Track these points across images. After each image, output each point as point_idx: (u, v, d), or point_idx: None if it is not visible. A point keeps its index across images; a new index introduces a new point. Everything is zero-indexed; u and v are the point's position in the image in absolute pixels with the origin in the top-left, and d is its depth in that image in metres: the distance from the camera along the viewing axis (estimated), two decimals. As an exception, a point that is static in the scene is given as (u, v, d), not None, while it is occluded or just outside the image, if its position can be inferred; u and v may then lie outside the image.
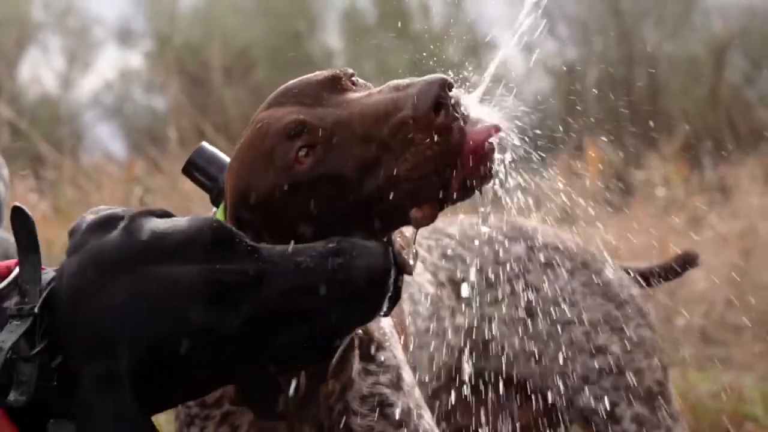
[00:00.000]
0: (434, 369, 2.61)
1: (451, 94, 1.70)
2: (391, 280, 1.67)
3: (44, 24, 13.06)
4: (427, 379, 2.54)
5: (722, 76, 10.98)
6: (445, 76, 1.72)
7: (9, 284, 1.76)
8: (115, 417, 1.62)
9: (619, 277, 2.81)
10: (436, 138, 1.69)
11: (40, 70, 12.72)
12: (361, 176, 1.74)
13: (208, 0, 12.96)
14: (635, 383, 2.70)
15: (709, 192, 7.54)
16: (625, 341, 2.73)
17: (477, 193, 1.76)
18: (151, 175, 7.80)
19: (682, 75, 11.08)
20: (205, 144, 2.08)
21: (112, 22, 13.35)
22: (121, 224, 1.72)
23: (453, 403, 2.67)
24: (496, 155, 1.73)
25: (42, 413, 1.67)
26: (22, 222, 1.78)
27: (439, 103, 1.69)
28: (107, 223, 1.73)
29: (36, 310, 1.69)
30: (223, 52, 11.41)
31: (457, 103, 1.71)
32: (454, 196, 1.74)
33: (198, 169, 2.05)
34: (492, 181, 1.75)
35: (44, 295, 1.71)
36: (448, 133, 1.69)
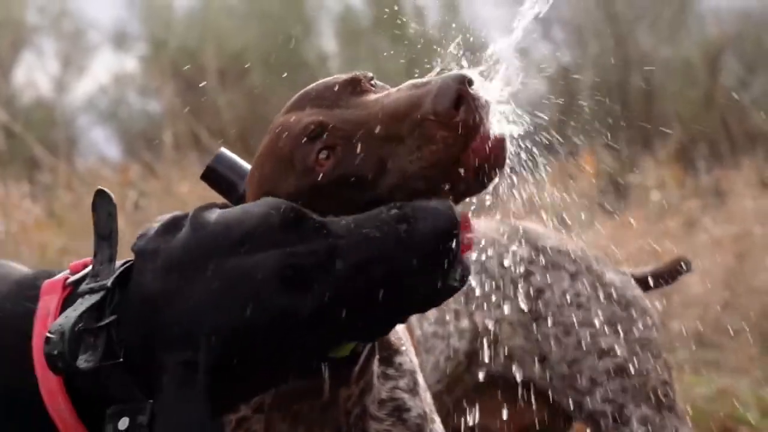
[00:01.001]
0: (439, 372, 2.61)
1: (471, 89, 1.70)
2: (458, 237, 1.65)
3: (39, 27, 13.06)
4: (431, 383, 2.53)
5: (717, 80, 10.99)
6: (464, 73, 1.72)
7: (84, 275, 1.76)
8: (189, 414, 1.62)
9: (623, 279, 2.82)
10: (459, 134, 1.69)
11: (34, 73, 12.72)
12: (382, 175, 1.73)
13: (202, 4, 12.96)
14: (642, 384, 2.71)
15: (704, 196, 7.55)
16: (631, 342, 2.73)
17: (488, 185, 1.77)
18: (145, 179, 7.79)
19: (677, 79, 11.09)
20: (224, 150, 2.06)
21: (107, 26, 13.37)
22: (186, 222, 1.71)
23: (458, 404, 2.67)
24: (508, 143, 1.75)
25: (101, 395, 1.67)
26: (102, 205, 1.78)
27: (460, 98, 1.69)
28: (173, 224, 1.73)
29: (109, 284, 1.69)
30: (218, 56, 11.40)
31: (478, 99, 1.71)
32: (470, 188, 1.74)
33: (217, 175, 2.03)
34: (503, 170, 1.75)
35: (117, 272, 1.71)
36: (470, 128, 1.69)
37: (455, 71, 1.73)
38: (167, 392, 1.63)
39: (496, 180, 1.76)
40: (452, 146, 1.70)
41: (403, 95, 1.75)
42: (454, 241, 1.65)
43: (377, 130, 1.73)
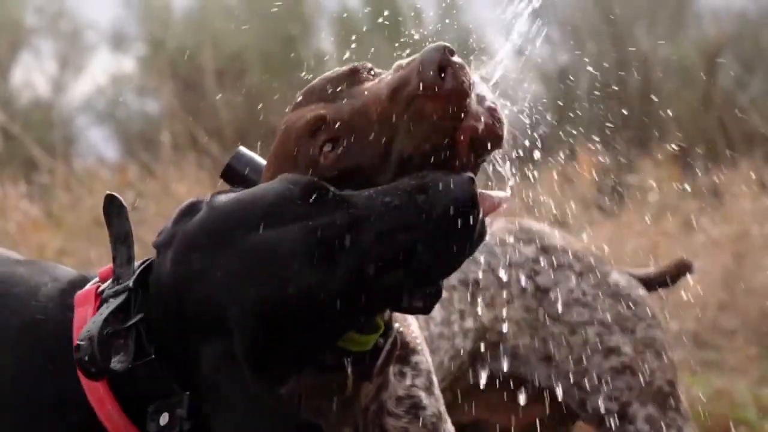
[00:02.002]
0: (443, 371, 2.61)
1: (453, 58, 1.72)
2: (478, 211, 1.66)
3: (37, 28, 13.04)
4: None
5: (715, 81, 10.99)
6: (445, 43, 1.73)
7: (109, 284, 1.77)
8: (245, 398, 1.62)
9: (627, 279, 2.83)
10: (449, 103, 1.70)
11: (32, 74, 12.69)
12: (384, 159, 1.75)
13: (200, 4, 12.94)
14: (647, 383, 2.71)
15: (702, 196, 7.54)
16: (637, 341, 2.74)
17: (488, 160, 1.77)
18: (143, 180, 7.79)
19: (675, 79, 11.09)
20: (242, 148, 2.09)
21: (105, 27, 13.32)
22: (204, 205, 1.72)
23: (460, 400, 2.68)
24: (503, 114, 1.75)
25: (141, 394, 1.68)
26: (114, 210, 1.79)
27: (443, 66, 1.70)
28: (190, 209, 1.74)
29: (131, 284, 1.70)
30: (216, 57, 11.39)
31: (462, 66, 1.73)
32: (468, 162, 1.74)
33: (235, 174, 2.04)
34: (503, 143, 1.76)
35: (137, 271, 1.72)
36: (460, 94, 1.71)
37: (435, 43, 1.74)
38: (219, 391, 1.62)
39: (495, 152, 1.77)
40: (445, 117, 1.71)
41: (391, 78, 1.77)
42: (472, 213, 1.66)
43: (373, 116, 1.75)
